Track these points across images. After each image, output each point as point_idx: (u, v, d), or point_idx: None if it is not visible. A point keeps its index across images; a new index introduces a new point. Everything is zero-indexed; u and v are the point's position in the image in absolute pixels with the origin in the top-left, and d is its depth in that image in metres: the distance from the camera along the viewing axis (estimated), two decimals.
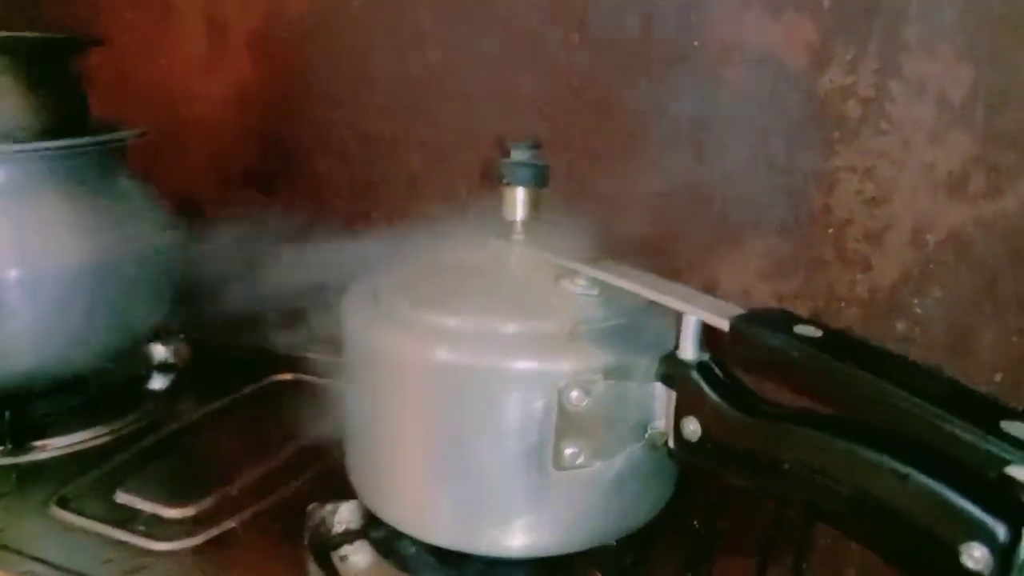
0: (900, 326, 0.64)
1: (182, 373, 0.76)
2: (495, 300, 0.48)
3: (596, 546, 0.48)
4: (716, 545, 0.55)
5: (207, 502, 0.57)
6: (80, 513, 0.56)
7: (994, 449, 0.32)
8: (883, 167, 0.62)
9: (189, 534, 0.54)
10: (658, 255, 0.69)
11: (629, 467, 0.46)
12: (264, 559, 0.52)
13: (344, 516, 0.53)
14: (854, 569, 0.67)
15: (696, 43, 0.66)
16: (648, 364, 0.45)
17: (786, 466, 0.38)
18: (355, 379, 0.50)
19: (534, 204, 0.51)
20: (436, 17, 0.75)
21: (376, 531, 0.52)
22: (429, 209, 0.76)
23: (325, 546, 0.52)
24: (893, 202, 0.62)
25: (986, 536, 0.32)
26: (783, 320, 0.40)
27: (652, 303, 0.45)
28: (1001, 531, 0.32)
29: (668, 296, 0.44)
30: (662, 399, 0.44)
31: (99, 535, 0.54)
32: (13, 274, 0.62)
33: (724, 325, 0.41)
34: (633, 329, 0.47)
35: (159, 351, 0.76)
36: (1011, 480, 0.31)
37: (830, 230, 0.65)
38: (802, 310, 0.66)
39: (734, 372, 0.43)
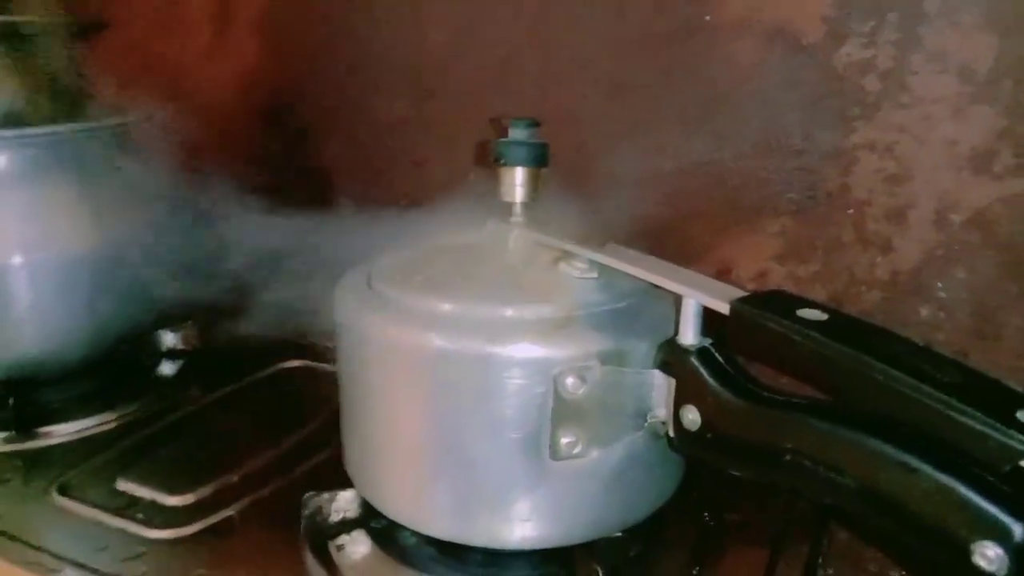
0: (923, 310, 0.61)
1: (191, 359, 0.76)
2: (490, 284, 0.46)
3: (600, 538, 0.47)
4: (726, 537, 0.53)
5: (207, 490, 0.57)
6: (80, 500, 0.56)
7: (1009, 441, 0.30)
8: (904, 144, 0.59)
9: (187, 522, 0.53)
10: (671, 237, 0.67)
11: (629, 457, 0.44)
12: (260, 549, 0.51)
13: (342, 505, 0.52)
14: (875, 564, 0.64)
15: (708, 17, 0.64)
16: (647, 350, 0.43)
17: (789, 457, 0.37)
18: (348, 367, 0.49)
19: (533, 185, 0.49)
20: None
21: (375, 521, 0.51)
22: (436, 192, 0.74)
23: (322, 535, 0.51)
24: (915, 180, 0.60)
25: (1000, 534, 0.30)
26: (786, 303, 0.38)
27: (654, 287, 0.44)
28: (1017, 529, 0.30)
29: (667, 279, 0.42)
30: (662, 387, 0.43)
31: (97, 522, 0.54)
32: (17, 260, 0.62)
33: (724, 308, 0.39)
34: (632, 313, 0.45)
35: (168, 337, 0.76)
36: None
37: (849, 210, 0.62)
38: (821, 294, 0.64)
39: (736, 359, 0.41)
